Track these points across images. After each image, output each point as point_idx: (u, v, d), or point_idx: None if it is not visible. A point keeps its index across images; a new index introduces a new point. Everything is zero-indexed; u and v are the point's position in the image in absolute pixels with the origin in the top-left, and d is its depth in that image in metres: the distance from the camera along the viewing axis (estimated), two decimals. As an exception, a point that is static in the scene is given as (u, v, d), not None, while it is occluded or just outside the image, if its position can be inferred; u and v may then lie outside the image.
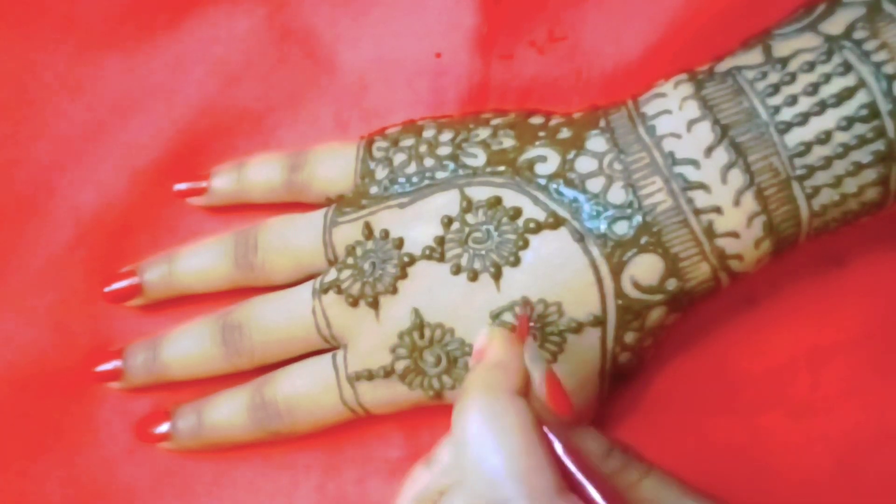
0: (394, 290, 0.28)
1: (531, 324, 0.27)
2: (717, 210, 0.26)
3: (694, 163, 0.26)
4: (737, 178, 0.26)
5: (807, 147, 0.25)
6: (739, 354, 0.30)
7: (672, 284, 0.27)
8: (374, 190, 0.30)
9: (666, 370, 0.30)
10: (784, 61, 0.26)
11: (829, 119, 0.25)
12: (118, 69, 0.35)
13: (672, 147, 0.26)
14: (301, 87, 0.34)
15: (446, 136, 0.30)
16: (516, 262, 0.27)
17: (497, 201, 0.28)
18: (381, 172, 0.30)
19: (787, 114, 0.26)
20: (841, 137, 0.25)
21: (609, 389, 0.28)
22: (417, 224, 0.28)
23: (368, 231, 0.29)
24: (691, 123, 0.26)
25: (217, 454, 0.31)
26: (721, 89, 0.26)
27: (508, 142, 0.29)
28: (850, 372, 0.30)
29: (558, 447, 0.21)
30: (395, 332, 0.28)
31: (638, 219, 0.26)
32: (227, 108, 0.34)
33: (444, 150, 0.29)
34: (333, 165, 0.31)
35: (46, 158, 0.34)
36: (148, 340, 0.32)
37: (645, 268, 0.26)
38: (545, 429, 0.21)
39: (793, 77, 0.26)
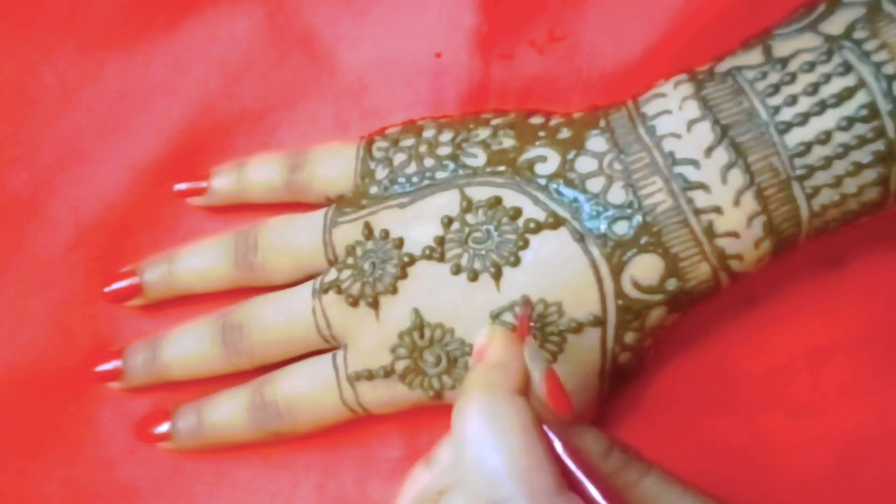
0: (394, 290, 0.28)
1: (531, 324, 0.27)
2: (717, 210, 0.26)
3: (694, 163, 0.26)
4: (737, 178, 0.26)
5: (807, 147, 0.25)
6: (739, 354, 0.30)
7: (672, 284, 0.27)
8: (374, 190, 0.30)
9: (666, 370, 0.30)
10: (784, 61, 0.26)
11: (830, 119, 0.25)
12: (118, 69, 0.35)
13: (672, 147, 0.26)
14: (301, 87, 0.34)
15: (446, 136, 0.30)
16: (516, 262, 0.27)
17: (497, 201, 0.28)
18: (381, 172, 0.30)
19: (787, 114, 0.26)
20: (841, 137, 0.25)
21: (609, 389, 0.28)
22: (417, 224, 0.28)
23: (368, 231, 0.29)
24: (691, 123, 0.26)
25: (217, 454, 0.31)
26: (721, 89, 0.26)
27: (508, 142, 0.29)
28: (850, 372, 0.30)
29: (558, 446, 0.21)
30: (395, 332, 0.28)
31: (638, 219, 0.26)
32: (227, 108, 0.34)
33: (444, 150, 0.29)
34: (333, 165, 0.31)
35: (46, 158, 0.34)
36: (148, 340, 0.32)
37: (645, 268, 0.26)
38: (545, 428, 0.21)
39: (793, 77, 0.26)
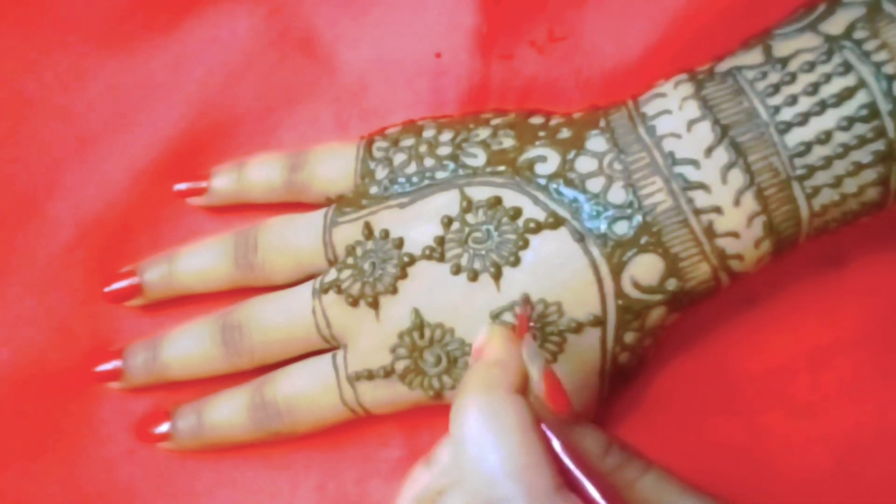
0: (394, 290, 0.28)
1: (531, 323, 0.27)
2: (718, 210, 0.26)
3: (694, 163, 0.26)
4: (737, 178, 0.26)
5: (807, 147, 0.25)
6: (739, 354, 0.30)
7: (672, 284, 0.27)
8: (374, 190, 0.30)
9: (666, 370, 0.30)
10: (784, 61, 0.26)
11: (830, 119, 0.25)
12: (118, 69, 0.35)
13: (672, 147, 0.26)
14: (301, 87, 0.34)
15: (446, 136, 0.30)
16: (516, 262, 0.27)
17: (497, 201, 0.28)
18: (381, 172, 0.30)
19: (787, 114, 0.26)
20: (841, 137, 0.25)
21: (609, 389, 0.28)
22: (417, 224, 0.28)
23: (368, 231, 0.29)
24: (691, 123, 0.26)
25: (217, 454, 0.31)
26: (721, 89, 0.26)
27: (508, 142, 0.29)
28: (850, 372, 0.30)
29: (556, 445, 0.21)
30: (395, 332, 0.28)
31: (638, 219, 0.26)
32: (227, 108, 0.34)
33: (444, 150, 0.29)
34: (333, 165, 0.31)
35: (46, 158, 0.34)
36: (148, 340, 0.32)
37: (645, 268, 0.26)
38: (543, 427, 0.21)
39: (793, 77, 0.26)
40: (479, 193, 0.28)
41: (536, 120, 0.30)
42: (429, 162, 0.29)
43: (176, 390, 0.32)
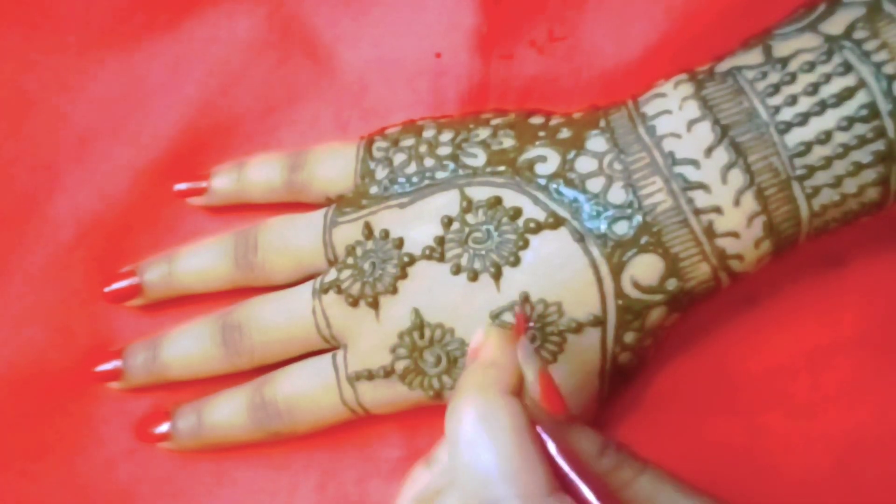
0: (394, 290, 0.28)
1: (531, 324, 0.27)
2: (718, 210, 0.26)
3: (694, 163, 0.26)
4: (737, 178, 0.26)
5: (807, 147, 0.25)
6: (739, 354, 0.30)
7: (672, 284, 0.27)
8: (374, 190, 0.30)
9: (666, 370, 0.30)
10: (784, 61, 0.26)
11: (830, 119, 0.25)
12: (118, 69, 0.35)
13: (672, 147, 0.26)
14: (301, 87, 0.34)
15: (446, 136, 0.30)
16: (516, 262, 0.27)
17: (497, 201, 0.28)
18: (381, 172, 0.30)
19: (787, 114, 0.26)
20: (841, 137, 0.25)
21: (609, 389, 0.28)
22: (417, 224, 0.28)
23: (368, 231, 0.29)
24: (691, 123, 0.26)
25: (217, 454, 0.31)
26: (721, 89, 0.26)
27: (508, 142, 0.29)
28: (850, 372, 0.30)
29: (551, 447, 0.21)
30: (395, 332, 0.28)
31: (638, 219, 0.26)
32: (227, 108, 0.34)
33: (444, 150, 0.29)
34: (333, 165, 0.31)
35: (46, 158, 0.34)
36: (148, 340, 0.32)
37: (645, 268, 0.26)
38: (538, 428, 0.21)
39: (793, 77, 0.26)
40: (479, 193, 0.28)
41: (536, 120, 0.30)
42: (429, 162, 0.29)
43: (176, 390, 0.32)
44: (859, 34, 0.26)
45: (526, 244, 0.27)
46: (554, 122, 0.29)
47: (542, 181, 0.28)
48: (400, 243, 0.28)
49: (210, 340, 0.31)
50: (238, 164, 0.33)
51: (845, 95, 0.25)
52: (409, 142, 0.30)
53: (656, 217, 0.26)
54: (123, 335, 0.33)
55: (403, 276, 0.28)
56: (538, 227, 0.27)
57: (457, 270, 0.28)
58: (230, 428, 0.30)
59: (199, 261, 0.32)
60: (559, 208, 0.27)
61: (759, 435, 0.30)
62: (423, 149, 0.30)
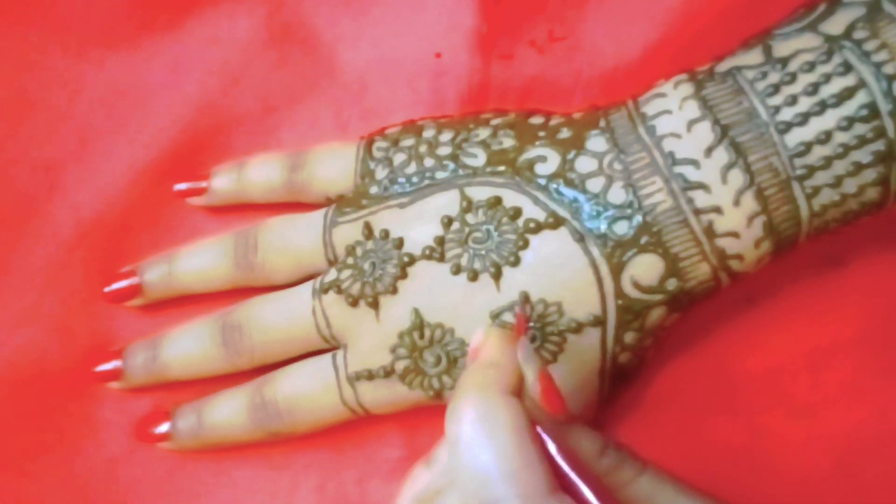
0: (394, 290, 0.28)
1: (531, 324, 0.27)
2: (718, 210, 0.26)
3: (694, 163, 0.26)
4: (737, 178, 0.26)
5: (807, 147, 0.25)
6: (739, 354, 0.30)
7: (672, 284, 0.27)
8: (374, 190, 0.30)
9: (666, 370, 0.30)
10: (784, 61, 0.26)
11: (830, 119, 0.25)
12: (118, 69, 0.35)
13: (672, 147, 0.26)
14: (301, 87, 0.34)
15: (446, 136, 0.30)
16: (516, 262, 0.27)
17: (497, 201, 0.28)
18: (381, 172, 0.30)
19: (787, 114, 0.26)
20: (841, 137, 0.25)
21: (609, 389, 0.28)
22: (417, 224, 0.28)
23: (368, 231, 0.29)
24: (691, 123, 0.26)
25: (217, 454, 0.31)
26: (721, 89, 0.26)
27: (508, 142, 0.29)
28: (850, 372, 0.30)
29: (551, 447, 0.21)
30: (395, 332, 0.28)
31: (638, 219, 0.26)
32: (227, 108, 0.34)
33: (444, 150, 0.29)
34: (333, 165, 0.31)
35: (46, 158, 0.34)
36: (148, 340, 0.32)
37: (645, 268, 0.26)
38: (538, 428, 0.21)
39: (793, 77, 0.26)
40: (479, 193, 0.28)
41: (536, 120, 0.30)
42: (429, 162, 0.29)
43: (176, 390, 0.32)
44: (859, 34, 0.26)
45: (526, 244, 0.27)
46: (554, 122, 0.29)
47: (542, 181, 0.28)
48: (400, 243, 0.28)
49: (210, 340, 0.31)
50: (238, 164, 0.33)
51: (845, 95, 0.25)
52: (409, 142, 0.30)
53: (656, 217, 0.26)
54: (123, 335, 0.33)
55: (403, 276, 0.28)
56: (538, 227, 0.27)
57: (457, 270, 0.28)
58: (230, 428, 0.30)
59: (199, 261, 0.32)
60: (559, 208, 0.27)
61: (759, 435, 0.30)
62: (423, 149, 0.30)
